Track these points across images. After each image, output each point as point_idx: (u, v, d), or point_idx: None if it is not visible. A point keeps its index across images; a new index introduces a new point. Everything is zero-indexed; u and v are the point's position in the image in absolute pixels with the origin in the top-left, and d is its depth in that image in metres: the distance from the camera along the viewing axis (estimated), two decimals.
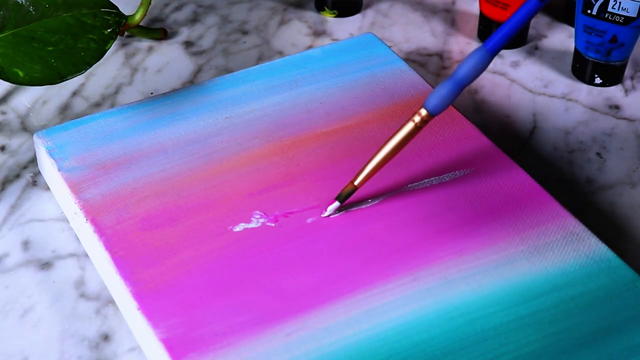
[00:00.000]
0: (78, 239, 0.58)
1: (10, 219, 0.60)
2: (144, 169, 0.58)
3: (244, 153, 0.60)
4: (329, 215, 0.55)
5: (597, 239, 0.54)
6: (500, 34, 0.53)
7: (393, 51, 0.68)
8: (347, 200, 0.55)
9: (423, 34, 0.76)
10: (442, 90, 0.53)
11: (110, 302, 0.55)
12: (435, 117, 0.61)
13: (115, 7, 0.65)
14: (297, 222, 0.55)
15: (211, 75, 0.71)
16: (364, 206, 0.56)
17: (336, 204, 0.55)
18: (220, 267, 0.53)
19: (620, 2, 0.67)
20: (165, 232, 0.54)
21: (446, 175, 0.58)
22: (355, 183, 0.55)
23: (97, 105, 0.68)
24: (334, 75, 0.65)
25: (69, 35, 0.62)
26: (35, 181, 0.62)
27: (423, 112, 0.54)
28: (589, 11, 0.68)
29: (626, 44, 0.68)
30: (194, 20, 0.77)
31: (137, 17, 0.70)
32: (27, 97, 0.69)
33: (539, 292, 0.51)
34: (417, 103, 0.63)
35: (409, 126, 0.54)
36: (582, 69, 0.71)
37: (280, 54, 0.73)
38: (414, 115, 0.54)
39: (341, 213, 0.56)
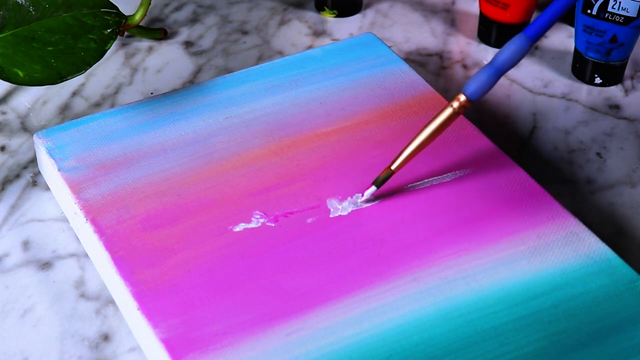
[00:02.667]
0: (78, 239, 0.58)
1: (10, 219, 0.60)
2: (144, 169, 0.58)
3: (244, 153, 0.60)
4: (366, 200, 0.56)
5: (597, 239, 0.54)
6: (540, 21, 0.53)
7: (393, 51, 0.68)
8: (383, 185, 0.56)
9: (423, 34, 0.76)
10: (482, 76, 0.54)
11: (110, 302, 0.55)
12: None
13: (115, 7, 0.65)
14: (297, 222, 0.55)
15: (211, 75, 0.71)
16: (364, 206, 0.56)
17: (373, 188, 0.56)
18: (220, 267, 0.53)
19: (620, 2, 0.67)
20: (165, 232, 0.54)
21: (446, 175, 0.58)
22: (392, 167, 0.56)
23: (97, 105, 0.68)
24: (334, 75, 0.65)
25: (69, 35, 0.62)
26: (35, 181, 0.62)
27: (462, 97, 0.54)
28: (589, 11, 0.68)
29: (626, 44, 0.68)
30: (194, 20, 0.77)
31: (137, 17, 0.70)
32: (27, 97, 0.69)
33: (539, 292, 0.51)
34: (417, 103, 0.63)
35: (448, 112, 0.55)
36: (582, 69, 0.71)
37: (280, 54, 0.73)
38: (452, 100, 0.54)
39: (336, 222, 0.56)
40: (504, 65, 0.53)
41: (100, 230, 0.55)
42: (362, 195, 0.56)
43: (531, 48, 0.53)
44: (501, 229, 0.55)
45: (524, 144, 0.66)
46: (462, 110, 0.54)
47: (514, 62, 0.53)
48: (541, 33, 0.53)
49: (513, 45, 0.53)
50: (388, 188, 0.57)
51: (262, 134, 0.61)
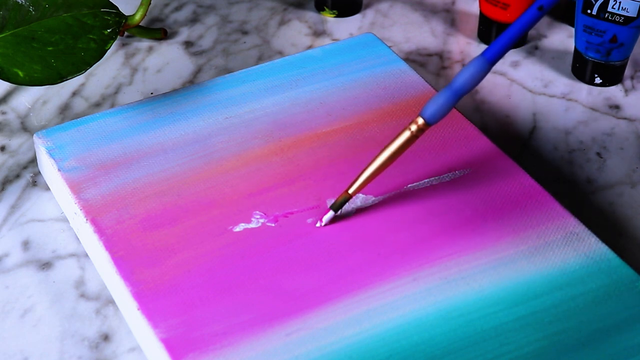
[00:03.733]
0: (78, 239, 0.58)
1: (10, 219, 0.60)
2: (144, 169, 0.58)
3: (244, 153, 0.60)
4: (324, 225, 0.55)
5: (597, 239, 0.54)
6: (499, 43, 0.52)
7: (393, 51, 0.68)
8: (341, 208, 0.55)
9: (423, 34, 0.76)
10: (440, 99, 0.53)
11: (110, 302, 0.55)
12: None
13: (115, 7, 0.65)
14: (297, 222, 0.55)
15: (211, 75, 0.71)
16: (364, 206, 0.56)
17: (331, 213, 0.55)
18: (220, 267, 0.53)
19: (620, 2, 0.67)
20: (165, 232, 0.54)
21: (446, 175, 0.58)
22: (350, 191, 0.55)
23: (97, 105, 0.68)
24: (334, 75, 0.65)
25: (69, 35, 0.62)
26: (35, 181, 0.62)
27: (420, 120, 0.53)
28: (589, 11, 0.68)
29: (626, 44, 0.68)
30: (194, 20, 0.77)
31: (137, 17, 0.70)
32: (27, 97, 0.69)
33: (539, 292, 0.51)
34: (417, 103, 0.63)
35: (405, 135, 0.54)
36: (582, 69, 0.71)
37: (280, 54, 0.73)
38: (410, 124, 0.54)
39: (336, 222, 0.55)
40: (462, 89, 0.53)
41: (100, 230, 0.55)
42: (321, 222, 0.55)
43: (489, 71, 0.53)
44: (501, 229, 0.55)
45: (524, 144, 0.66)
46: (420, 133, 0.54)
47: (472, 85, 0.53)
48: (500, 55, 0.53)
49: (472, 67, 0.53)
50: (388, 188, 0.57)
51: (262, 134, 0.61)
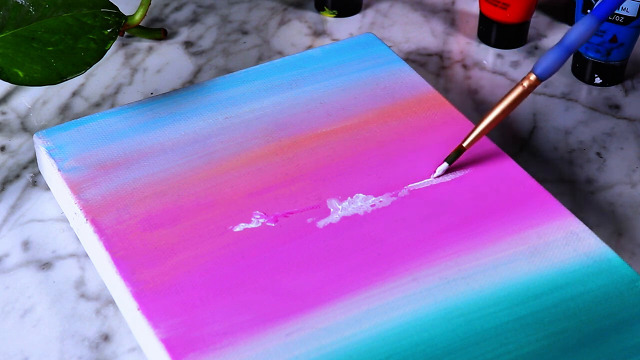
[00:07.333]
0: (78, 239, 0.58)
1: (10, 219, 0.60)
2: (144, 169, 0.58)
3: (244, 153, 0.60)
4: (438, 177, 0.57)
5: (597, 239, 0.54)
6: (608, 2, 0.55)
7: (393, 51, 0.68)
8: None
9: (423, 34, 0.76)
10: (551, 55, 0.56)
11: (110, 302, 0.55)
12: (436, 117, 0.62)
13: (115, 7, 0.65)
14: (297, 222, 0.55)
15: (211, 75, 0.71)
16: (365, 206, 0.56)
17: (445, 165, 0.57)
18: (220, 267, 0.53)
19: None
20: (165, 232, 0.54)
21: (446, 175, 0.58)
22: (464, 144, 0.57)
23: (97, 105, 0.68)
24: (334, 75, 0.65)
25: (68, 36, 0.62)
26: (35, 181, 0.62)
27: (532, 76, 0.56)
28: (588, 11, 0.68)
29: (626, 43, 0.68)
30: (194, 20, 0.77)
31: (137, 17, 0.70)
32: (27, 97, 0.69)
33: (539, 292, 0.51)
34: (417, 103, 0.63)
35: (518, 90, 0.57)
36: (582, 68, 0.71)
37: (280, 54, 0.73)
38: (523, 79, 0.57)
39: (336, 222, 0.56)
40: (572, 45, 0.55)
41: (100, 230, 0.55)
42: (435, 172, 0.57)
43: (598, 28, 0.56)
44: (501, 229, 0.55)
45: (524, 144, 0.66)
46: (532, 89, 0.57)
47: (581, 42, 0.55)
48: (608, 13, 0.55)
49: (582, 25, 0.55)
50: (388, 188, 0.57)
51: (262, 134, 0.61)
